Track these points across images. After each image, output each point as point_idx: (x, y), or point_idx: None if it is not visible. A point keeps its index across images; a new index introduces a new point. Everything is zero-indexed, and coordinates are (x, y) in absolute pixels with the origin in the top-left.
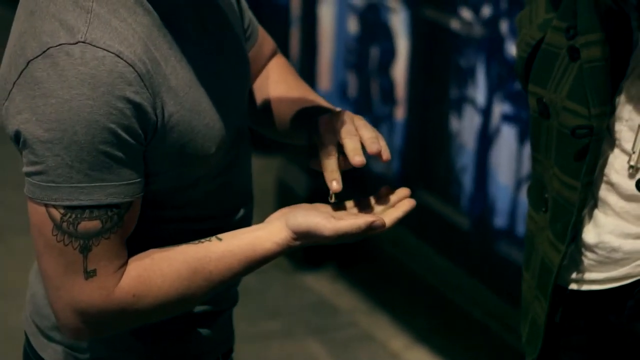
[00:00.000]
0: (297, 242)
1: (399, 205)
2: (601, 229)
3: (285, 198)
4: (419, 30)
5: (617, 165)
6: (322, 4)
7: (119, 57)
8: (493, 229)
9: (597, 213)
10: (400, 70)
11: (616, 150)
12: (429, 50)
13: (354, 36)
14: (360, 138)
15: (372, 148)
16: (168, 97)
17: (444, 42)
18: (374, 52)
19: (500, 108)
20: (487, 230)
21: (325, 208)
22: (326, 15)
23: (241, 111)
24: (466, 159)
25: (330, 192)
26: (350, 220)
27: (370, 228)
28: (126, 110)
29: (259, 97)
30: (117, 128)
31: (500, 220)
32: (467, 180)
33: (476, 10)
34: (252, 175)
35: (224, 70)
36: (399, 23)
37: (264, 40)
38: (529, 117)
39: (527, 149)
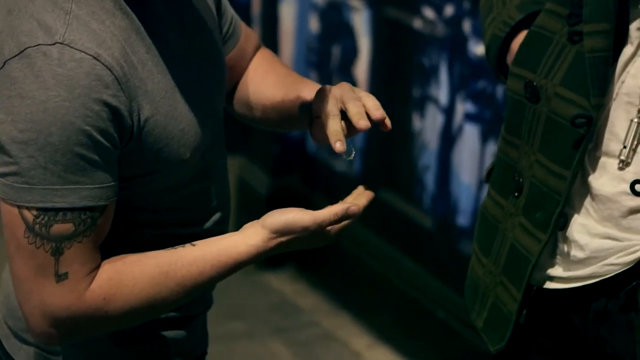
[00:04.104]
0: (276, 241)
1: (358, 196)
2: (570, 226)
3: (246, 198)
4: (381, 29)
5: (597, 163)
6: (282, 3)
7: (96, 59)
8: (456, 228)
9: (567, 209)
10: (362, 69)
11: (602, 146)
12: (392, 50)
13: (316, 35)
14: (363, 105)
15: (376, 114)
16: (144, 101)
17: (407, 41)
18: (336, 51)
19: (463, 107)
20: (450, 230)
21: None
22: (287, 14)
23: (217, 117)
24: (429, 158)
25: (343, 154)
26: (327, 208)
27: (347, 214)
28: (102, 113)
29: (251, 89)
30: (93, 131)
31: (463, 219)
32: (430, 180)
33: (439, 10)
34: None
35: (201, 76)
36: (360, 22)
37: (248, 36)
38: (508, 100)
39: (490, 148)
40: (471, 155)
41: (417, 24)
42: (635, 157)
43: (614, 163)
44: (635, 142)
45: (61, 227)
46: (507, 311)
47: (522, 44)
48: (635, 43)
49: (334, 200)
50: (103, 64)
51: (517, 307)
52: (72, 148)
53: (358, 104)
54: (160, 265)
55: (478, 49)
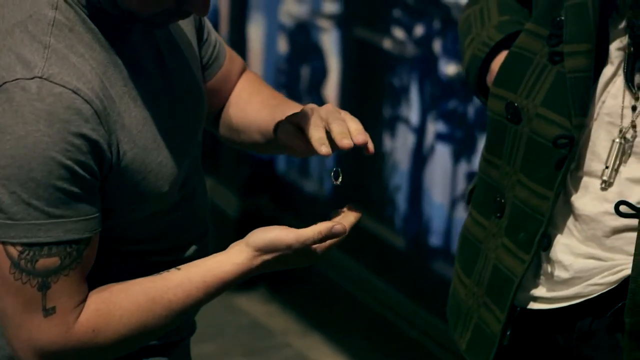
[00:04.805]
0: (260, 259)
1: (346, 214)
2: (553, 247)
3: (216, 219)
4: (350, 50)
5: (579, 183)
6: (250, 24)
7: (76, 93)
8: (428, 248)
9: (550, 229)
10: (331, 89)
11: (584, 166)
12: (361, 70)
13: (284, 56)
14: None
15: (358, 138)
16: (122, 134)
17: (377, 62)
18: (305, 71)
19: (434, 127)
20: (422, 250)
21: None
22: (255, 35)
23: (194, 148)
24: (400, 178)
25: (332, 174)
26: (310, 227)
27: (331, 233)
28: (83, 147)
29: (236, 112)
30: (74, 164)
31: (435, 239)
32: (402, 200)
33: (409, 30)
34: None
35: (178, 108)
36: (330, 42)
37: (233, 60)
38: (488, 120)
39: (461, 167)
40: (443, 175)
41: (387, 44)
42: (617, 178)
43: (596, 183)
44: (618, 163)
45: (47, 262)
46: (490, 332)
47: (503, 65)
48: (616, 63)
49: (303, 221)
50: (82, 98)
51: (501, 328)
52: (54, 182)
53: (342, 124)
54: (147, 292)
55: (449, 68)
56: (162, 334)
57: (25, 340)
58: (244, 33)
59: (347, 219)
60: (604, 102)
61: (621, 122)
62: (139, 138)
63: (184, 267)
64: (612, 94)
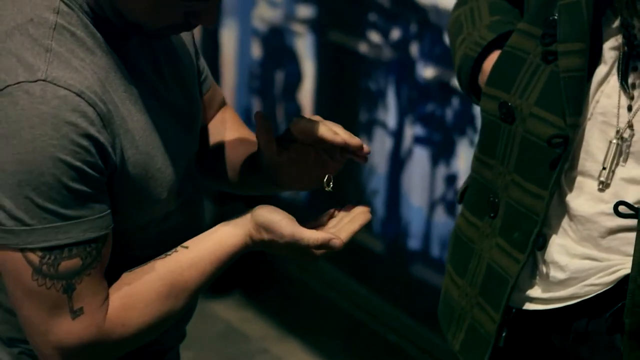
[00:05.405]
0: (260, 235)
1: (354, 218)
2: (548, 247)
3: None
4: (325, 54)
5: (574, 182)
6: (223, 29)
7: (80, 96)
8: (407, 251)
9: (544, 229)
10: (307, 94)
11: (578, 166)
12: (337, 74)
13: (258, 61)
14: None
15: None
16: (125, 140)
17: (352, 66)
18: (279, 76)
19: (412, 130)
20: (401, 253)
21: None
22: (228, 40)
23: (190, 156)
24: (378, 182)
25: (325, 179)
26: (311, 231)
27: (325, 245)
28: (90, 148)
29: (214, 141)
30: (83, 165)
31: (414, 243)
32: (380, 204)
33: (385, 34)
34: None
35: (177, 114)
36: (304, 47)
37: (215, 90)
38: (482, 120)
39: (440, 171)
40: (421, 178)
41: (363, 48)
42: (614, 178)
43: (590, 183)
44: (615, 164)
45: (69, 263)
46: (484, 332)
47: (496, 64)
48: (609, 63)
49: None
50: (87, 101)
51: (496, 329)
52: (66, 184)
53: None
54: (163, 278)
55: (426, 72)
56: (184, 312)
57: (55, 346)
58: (217, 38)
59: (348, 228)
60: (597, 101)
61: (617, 122)
62: (141, 143)
63: (191, 245)
64: (606, 93)
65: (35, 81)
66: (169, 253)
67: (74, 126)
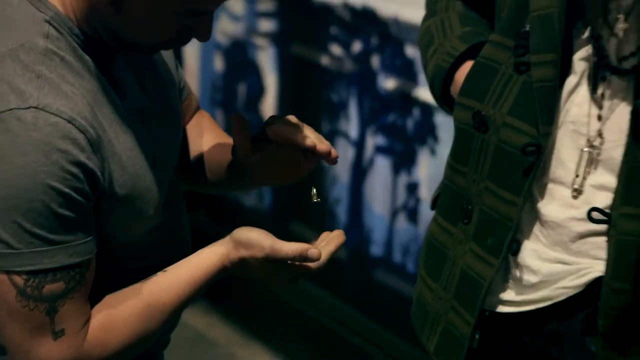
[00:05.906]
0: (239, 253)
1: (330, 240)
2: (521, 252)
3: None
4: (287, 67)
5: (545, 189)
6: None
7: (71, 123)
8: (370, 257)
9: (517, 235)
10: (269, 106)
11: (550, 174)
12: (299, 86)
13: (220, 74)
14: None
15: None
16: (113, 163)
17: (314, 78)
18: (242, 89)
19: (373, 140)
20: (364, 259)
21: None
22: (191, 53)
23: (174, 163)
24: (340, 191)
25: (312, 193)
26: (289, 243)
27: (304, 255)
28: (79, 175)
29: (191, 144)
30: (72, 192)
31: (376, 249)
32: (342, 212)
33: (346, 46)
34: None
35: (160, 131)
36: (266, 60)
37: (191, 97)
38: (455, 129)
39: (402, 179)
40: (383, 187)
41: (325, 60)
42: (585, 185)
43: (561, 189)
44: (587, 171)
45: (53, 287)
46: (459, 335)
47: (469, 75)
48: (579, 73)
49: None
50: (77, 127)
51: (471, 331)
52: (54, 210)
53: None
54: (142, 299)
55: (387, 83)
56: (164, 332)
57: None
58: (180, 51)
59: (324, 248)
60: (568, 110)
61: (587, 130)
62: (129, 164)
63: (170, 268)
64: (576, 102)
65: (27, 108)
66: (151, 277)
67: (64, 153)
